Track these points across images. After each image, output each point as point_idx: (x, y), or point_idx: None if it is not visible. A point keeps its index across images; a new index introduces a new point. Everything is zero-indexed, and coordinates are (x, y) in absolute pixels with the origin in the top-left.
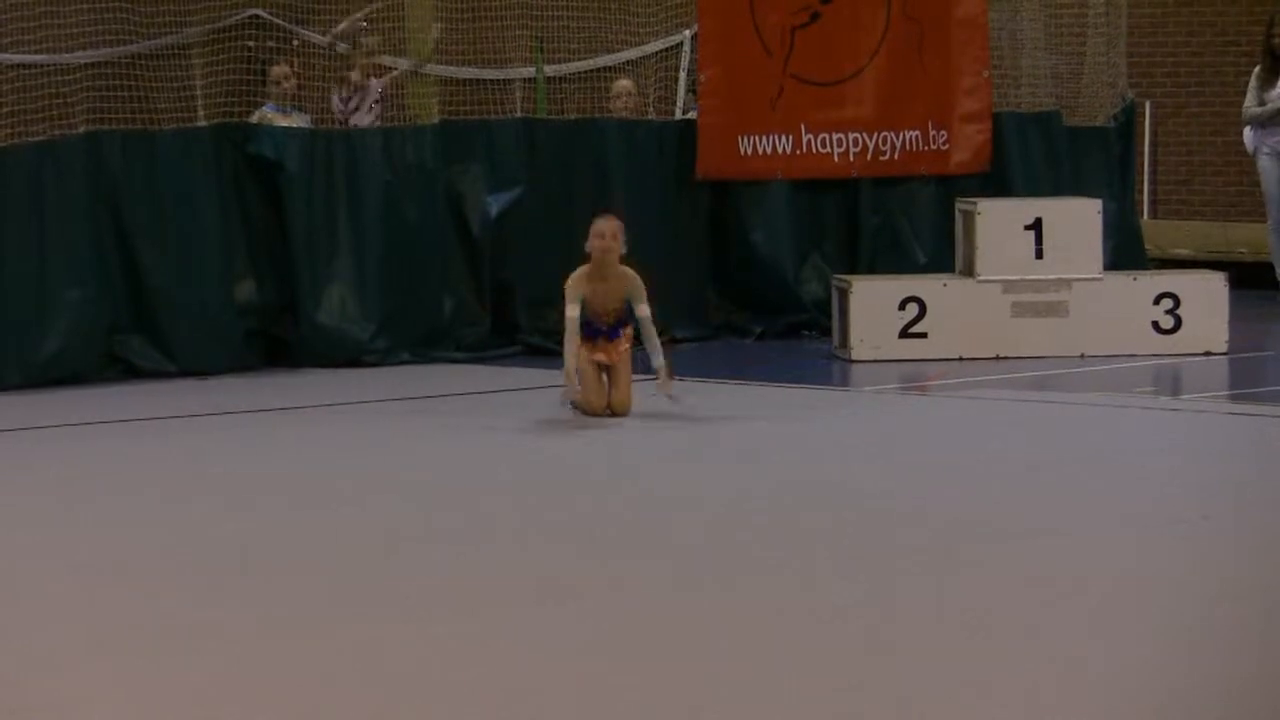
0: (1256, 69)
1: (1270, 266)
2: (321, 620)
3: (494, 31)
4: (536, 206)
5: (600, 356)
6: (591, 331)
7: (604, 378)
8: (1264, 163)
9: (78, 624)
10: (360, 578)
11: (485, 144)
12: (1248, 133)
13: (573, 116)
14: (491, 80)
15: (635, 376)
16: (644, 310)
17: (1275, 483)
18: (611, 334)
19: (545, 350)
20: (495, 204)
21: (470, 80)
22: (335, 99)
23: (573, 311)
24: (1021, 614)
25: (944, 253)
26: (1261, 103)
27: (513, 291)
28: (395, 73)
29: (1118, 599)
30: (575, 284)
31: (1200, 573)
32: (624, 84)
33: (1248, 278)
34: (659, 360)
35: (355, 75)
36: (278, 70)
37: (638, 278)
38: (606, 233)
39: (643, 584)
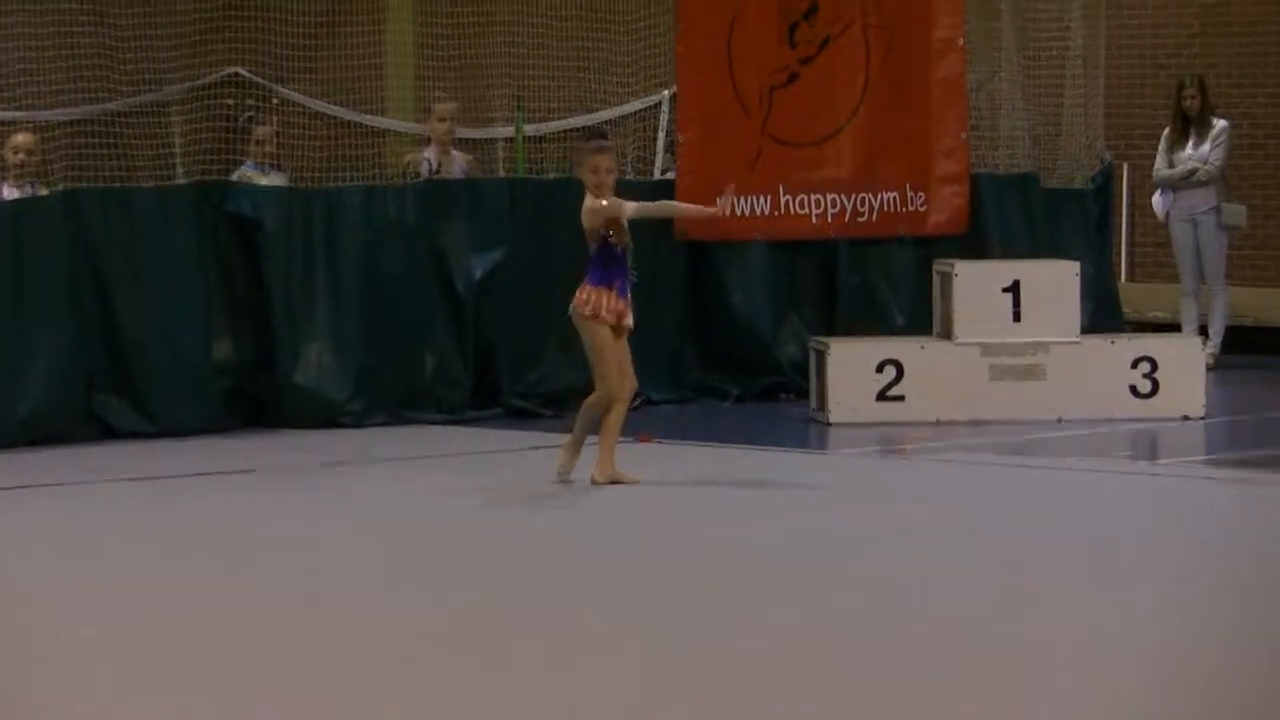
0: (1166, 131)
1: (1253, 331)
2: (313, 673)
3: (475, 90)
4: (519, 265)
5: (628, 320)
6: (620, 275)
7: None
8: (1176, 229)
9: (67, 680)
10: (336, 633)
11: (470, 202)
12: (1156, 198)
13: (551, 175)
14: (473, 139)
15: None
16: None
17: (1253, 547)
18: (623, 286)
19: (526, 412)
20: (480, 263)
21: (456, 139)
22: (424, 167)
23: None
24: (1002, 676)
25: (922, 315)
26: (1171, 165)
27: (494, 352)
28: (468, 164)
29: (1095, 662)
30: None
31: (1179, 638)
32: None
33: (1225, 342)
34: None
35: (431, 152)
36: (262, 131)
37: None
38: (600, 168)
39: (617, 645)
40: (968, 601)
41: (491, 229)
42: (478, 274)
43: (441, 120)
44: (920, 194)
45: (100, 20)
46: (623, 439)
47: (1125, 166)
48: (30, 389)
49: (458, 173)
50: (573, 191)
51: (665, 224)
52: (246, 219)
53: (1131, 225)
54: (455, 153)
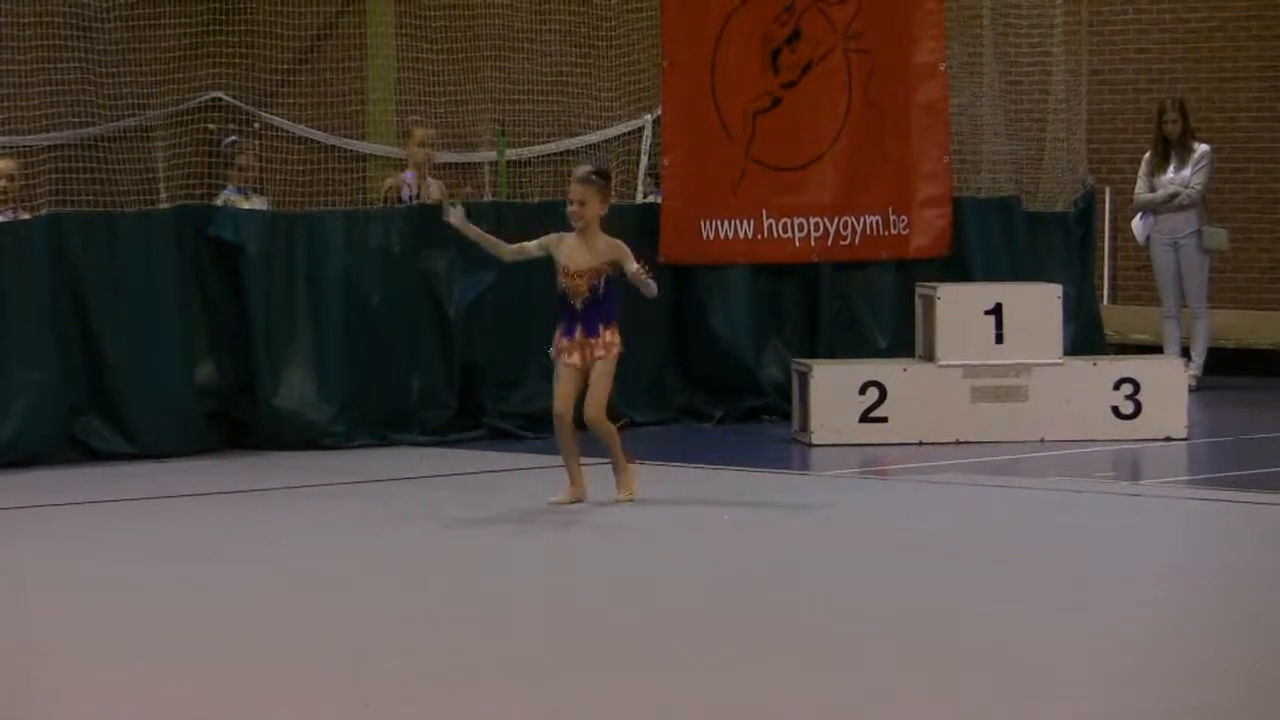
0: (1147, 155)
1: (1234, 353)
2: (307, 694)
3: (458, 115)
4: (504, 289)
5: (575, 360)
6: (566, 315)
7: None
8: (1158, 252)
9: (53, 708)
10: (325, 660)
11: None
12: (1137, 222)
13: (536, 200)
14: (456, 163)
15: (590, 461)
16: (632, 267)
17: (1235, 567)
18: (590, 327)
19: (510, 434)
20: (468, 287)
21: (439, 164)
22: (405, 191)
23: (527, 244)
24: (985, 697)
25: (904, 337)
26: (1153, 189)
27: (478, 374)
28: (442, 192)
29: (1080, 683)
30: (549, 235)
31: (1164, 657)
32: None
33: (1207, 363)
34: (633, 267)
35: (410, 176)
36: (244, 158)
37: (623, 245)
38: (574, 199)
39: (606, 664)
40: (947, 622)
41: (476, 253)
42: (465, 298)
43: (421, 145)
44: (903, 217)
45: (83, 46)
46: (604, 461)
47: (1107, 190)
48: (12, 411)
49: (432, 198)
50: (555, 215)
51: (648, 248)
52: (229, 243)
53: (1114, 248)
54: (430, 179)
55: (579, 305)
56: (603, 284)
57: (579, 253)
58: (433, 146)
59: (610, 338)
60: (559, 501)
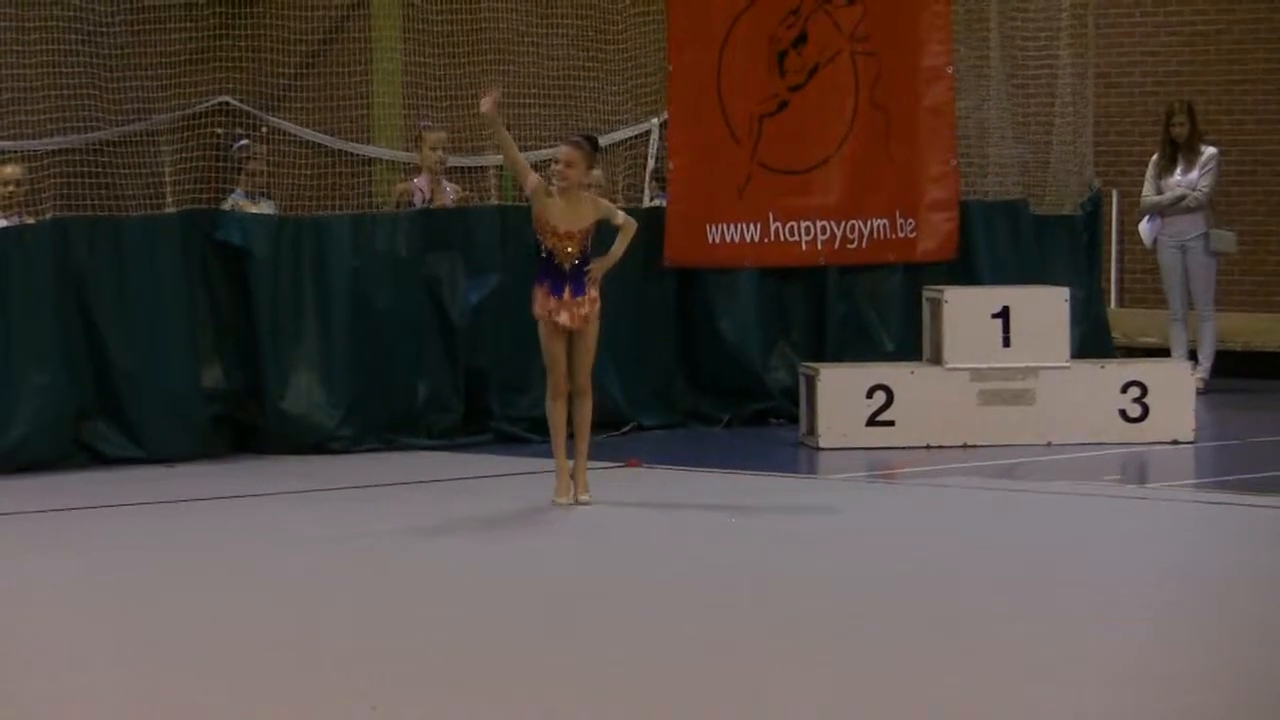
0: (1154, 157)
1: (1241, 356)
2: (306, 703)
3: (464, 119)
4: (510, 292)
5: (563, 318)
6: (553, 275)
7: (567, 349)
8: (1165, 255)
9: (59, 713)
10: (329, 661)
11: (460, 231)
12: (1144, 225)
13: None
14: (463, 167)
15: (596, 464)
16: (619, 218)
17: (1240, 570)
18: (576, 287)
19: (516, 438)
20: (473, 290)
21: (445, 167)
22: (416, 196)
23: (532, 173)
24: (991, 701)
25: (911, 341)
26: (1160, 192)
27: (485, 377)
28: (458, 194)
29: (1080, 683)
30: (540, 181)
31: (1165, 658)
32: (595, 174)
33: (1214, 366)
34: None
35: (423, 181)
36: (255, 164)
37: (607, 203)
38: (562, 159)
39: (589, 672)
40: (948, 622)
41: (482, 257)
42: (470, 301)
43: (433, 149)
44: (910, 220)
45: (88, 51)
46: (611, 464)
47: (1114, 193)
48: (19, 416)
49: (448, 202)
50: None
51: (654, 252)
52: (235, 247)
53: (1121, 251)
54: (445, 182)
55: (567, 266)
56: (589, 244)
57: (569, 216)
58: (445, 150)
59: (594, 295)
60: (567, 501)
